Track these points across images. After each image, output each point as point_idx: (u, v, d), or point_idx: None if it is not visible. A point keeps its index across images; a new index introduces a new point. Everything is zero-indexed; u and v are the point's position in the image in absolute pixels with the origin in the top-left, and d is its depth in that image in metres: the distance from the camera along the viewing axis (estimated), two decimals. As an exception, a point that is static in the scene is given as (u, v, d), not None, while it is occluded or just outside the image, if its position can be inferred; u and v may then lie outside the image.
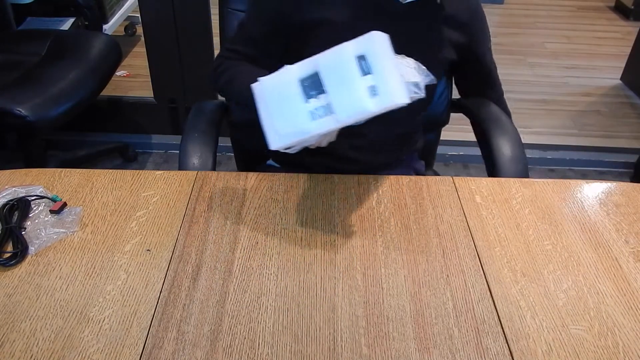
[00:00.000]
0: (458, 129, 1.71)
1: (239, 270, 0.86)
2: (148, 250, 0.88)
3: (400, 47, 1.06)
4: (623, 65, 3.06)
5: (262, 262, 0.87)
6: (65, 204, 0.96)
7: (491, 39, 1.23)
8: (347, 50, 0.81)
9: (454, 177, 1.07)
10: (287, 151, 0.87)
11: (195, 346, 0.74)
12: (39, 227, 0.91)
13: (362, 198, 1.02)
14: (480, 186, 1.05)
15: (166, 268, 0.85)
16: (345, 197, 1.02)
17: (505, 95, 1.33)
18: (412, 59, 0.87)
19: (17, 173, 1.04)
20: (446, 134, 1.51)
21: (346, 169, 1.09)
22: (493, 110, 1.26)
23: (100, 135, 2.42)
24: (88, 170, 1.05)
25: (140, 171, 1.06)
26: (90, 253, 0.88)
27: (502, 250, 0.91)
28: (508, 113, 1.30)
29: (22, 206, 0.94)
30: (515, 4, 4.00)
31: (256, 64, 1.10)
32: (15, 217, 0.92)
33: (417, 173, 1.31)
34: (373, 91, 0.79)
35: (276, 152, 1.25)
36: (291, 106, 0.83)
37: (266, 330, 0.77)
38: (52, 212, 0.94)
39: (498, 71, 1.29)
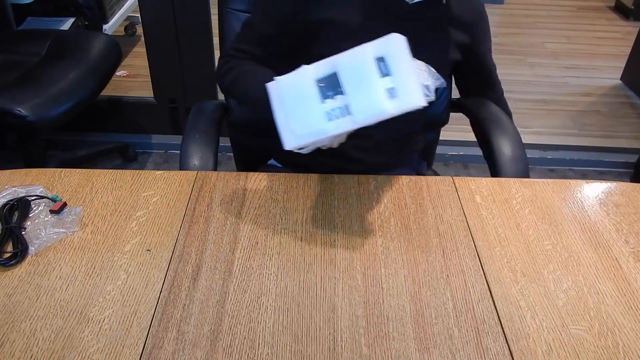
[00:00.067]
0: (458, 129, 1.71)
1: (239, 270, 0.86)
2: (148, 250, 0.88)
3: (412, 49, 1.06)
4: (623, 65, 3.06)
5: (262, 262, 0.87)
6: (65, 204, 0.96)
7: (491, 39, 1.23)
8: (367, 51, 0.81)
9: (454, 177, 1.07)
10: (300, 151, 0.87)
11: (195, 346, 0.74)
12: (39, 227, 0.91)
13: (362, 198, 1.02)
14: (480, 186, 1.05)
15: (166, 268, 0.85)
16: (345, 197, 1.02)
17: (505, 95, 1.33)
18: (422, 62, 0.87)
19: (17, 173, 1.04)
20: (446, 134, 1.51)
21: (349, 169, 1.09)
22: (493, 110, 1.26)
23: (100, 135, 2.42)
24: (88, 170, 1.05)
25: (140, 171, 1.06)
26: (90, 253, 0.88)
27: (502, 250, 0.91)
28: (509, 113, 1.30)
29: (22, 206, 0.94)
30: (515, 4, 4.00)
31: (262, 64, 1.09)
32: (15, 217, 0.92)
33: (418, 173, 1.31)
34: (391, 93, 0.80)
35: (278, 152, 1.27)
36: (307, 106, 0.83)
37: (266, 330, 0.77)
38: (52, 212, 0.94)
39: (498, 71, 1.29)
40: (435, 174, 1.43)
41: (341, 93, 0.82)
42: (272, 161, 1.28)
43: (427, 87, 0.86)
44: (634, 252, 0.92)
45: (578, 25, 3.79)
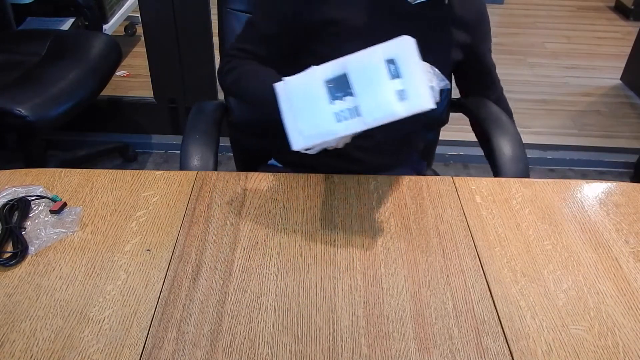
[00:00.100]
0: (458, 129, 1.71)
1: (239, 270, 0.86)
2: (148, 250, 0.88)
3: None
4: (623, 65, 3.06)
5: (262, 262, 0.87)
6: (65, 204, 0.96)
7: (491, 38, 1.23)
8: (377, 53, 0.81)
9: (454, 177, 1.07)
10: (307, 152, 0.87)
11: (195, 346, 0.74)
12: (39, 227, 0.91)
13: (362, 198, 1.02)
14: (480, 186, 1.05)
15: (166, 268, 0.85)
16: (345, 197, 1.02)
17: (505, 95, 1.33)
18: (427, 64, 0.88)
19: (17, 173, 1.04)
20: (446, 134, 1.51)
21: (349, 169, 1.09)
22: (493, 110, 1.26)
23: (100, 135, 2.42)
24: (88, 170, 1.05)
25: (140, 171, 1.06)
26: (90, 253, 0.88)
27: (502, 250, 0.91)
28: (509, 111, 1.31)
29: (22, 206, 0.94)
30: (515, 4, 4.00)
31: (264, 63, 1.09)
32: (15, 217, 0.92)
33: (418, 173, 1.31)
34: (401, 95, 0.80)
35: (279, 151, 1.27)
36: (316, 107, 0.84)
37: (266, 330, 0.77)
38: (52, 212, 0.94)
39: (498, 71, 1.29)
40: (435, 174, 1.43)
41: (350, 94, 0.82)
42: (272, 161, 1.28)
43: (432, 88, 0.86)
44: (634, 252, 0.92)
45: (578, 25, 3.79)
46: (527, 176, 1.15)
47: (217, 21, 1.33)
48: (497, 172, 1.16)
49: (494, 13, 3.93)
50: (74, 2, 2.54)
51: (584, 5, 4.09)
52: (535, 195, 1.04)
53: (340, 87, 0.82)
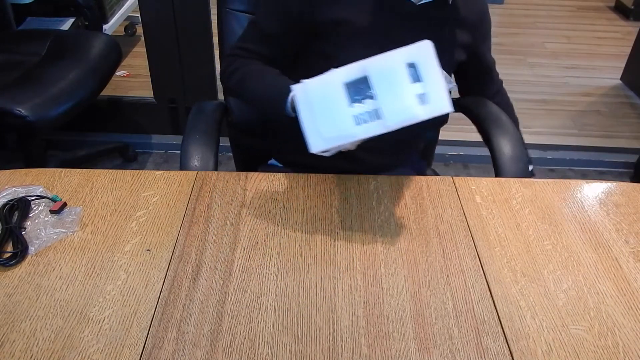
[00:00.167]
0: (458, 129, 1.71)
1: (239, 270, 0.86)
2: (148, 250, 0.88)
3: None
4: (623, 65, 3.06)
5: (262, 262, 0.87)
6: (65, 204, 0.96)
7: (491, 37, 1.24)
8: (398, 57, 0.82)
9: (454, 177, 1.07)
10: (323, 154, 0.87)
11: (195, 346, 0.74)
12: (39, 227, 0.91)
13: (362, 198, 1.02)
14: (480, 186, 1.05)
15: (166, 268, 0.85)
16: (345, 197, 1.02)
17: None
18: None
19: (17, 173, 1.04)
20: (446, 134, 1.51)
21: (349, 169, 1.09)
22: (493, 110, 1.26)
23: (100, 135, 2.42)
24: (88, 170, 1.05)
25: (140, 171, 1.06)
26: (90, 253, 0.88)
27: (502, 250, 0.91)
28: (510, 104, 1.31)
29: (22, 206, 0.94)
30: (515, 4, 4.00)
31: (268, 63, 1.09)
32: (15, 217, 0.92)
33: (418, 173, 1.31)
34: (422, 99, 0.81)
35: (279, 151, 1.27)
36: (335, 110, 0.84)
37: (266, 330, 0.77)
38: (52, 212, 0.94)
39: (498, 71, 1.29)
40: (435, 174, 1.43)
41: (370, 97, 0.83)
42: (272, 161, 1.28)
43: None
44: (634, 252, 0.92)
45: (578, 25, 3.79)
46: (527, 175, 1.15)
47: (217, 21, 1.33)
48: (497, 171, 1.16)
49: (494, 13, 3.91)
50: (74, 2, 2.54)
51: (584, 5, 4.09)
52: (535, 195, 1.04)
53: (360, 90, 0.83)
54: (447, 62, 1.06)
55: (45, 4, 2.54)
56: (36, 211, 0.95)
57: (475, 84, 1.30)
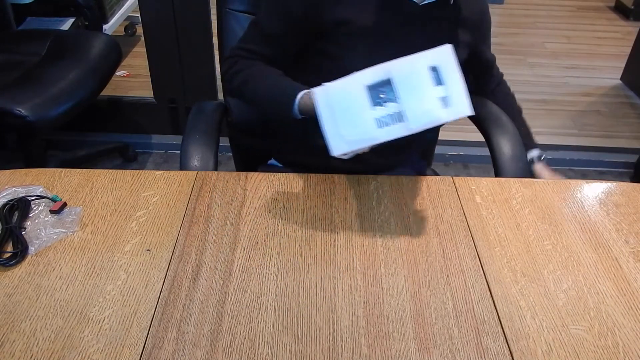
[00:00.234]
0: (458, 129, 1.71)
1: (239, 270, 0.86)
2: (148, 250, 0.88)
3: (419, 49, 1.06)
4: (623, 65, 3.06)
5: (262, 262, 0.87)
6: (65, 204, 0.96)
7: (491, 38, 1.24)
8: (422, 60, 0.84)
9: (454, 177, 1.07)
10: (342, 157, 0.87)
11: (195, 346, 0.74)
12: (39, 227, 0.91)
13: (362, 198, 1.02)
14: (480, 186, 1.05)
15: (166, 268, 0.85)
16: (345, 197, 1.02)
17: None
18: None
19: (17, 173, 1.04)
20: (446, 134, 1.51)
21: (350, 169, 1.09)
22: (493, 110, 1.26)
23: (100, 135, 2.42)
24: (88, 170, 1.05)
25: (140, 171, 1.06)
26: (90, 253, 0.88)
27: (502, 250, 0.91)
28: (511, 94, 1.31)
29: (22, 206, 0.94)
30: (515, 4, 4.00)
31: (270, 64, 1.09)
32: (15, 217, 0.92)
33: (418, 173, 1.31)
34: (445, 102, 0.83)
35: (279, 152, 1.27)
36: (357, 113, 0.84)
37: (266, 330, 0.77)
38: (52, 212, 0.94)
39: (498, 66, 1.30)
40: (435, 174, 1.43)
41: (392, 100, 0.83)
42: (272, 161, 1.28)
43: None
44: (634, 252, 0.92)
45: (578, 25, 3.78)
46: (527, 175, 1.15)
47: (216, 21, 1.33)
48: (496, 171, 1.16)
49: (494, 13, 3.91)
50: (74, 2, 2.54)
51: (584, 5, 4.09)
52: (535, 195, 1.04)
53: (382, 92, 0.84)
54: None
55: (45, 4, 2.54)
56: (36, 211, 0.95)
57: (476, 81, 1.30)
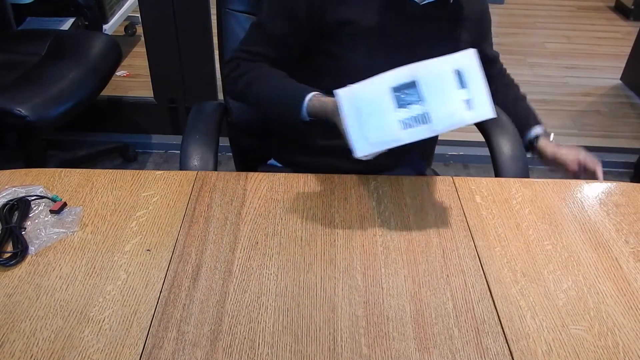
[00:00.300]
0: (458, 129, 1.70)
1: (239, 270, 0.86)
2: (148, 250, 0.88)
3: (421, 49, 1.06)
4: (623, 65, 3.06)
5: (262, 262, 0.87)
6: (65, 204, 0.96)
7: (492, 36, 1.24)
8: (446, 63, 0.85)
9: (454, 177, 1.07)
10: (364, 158, 0.88)
11: (195, 346, 0.74)
12: (39, 227, 0.91)
13: (362, 198, 1.02)
14: (480, 186, 1.05)
15: (166, 268, 0.85)
16: (345, 197, 1.02)
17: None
18: None
19: (17, 173, 1.04)
20: (446, 134, 1.51)
21: (349, 169, 1.09)
22: (493, 110, 1.26)
23: (100, 135, 2.42)
24: (88, 170, 1.05)
25: (140, 171, 1.06)
26: (90, 253, 0.88)
27: (502, 250, 0.91)
28: (516, 85, 1.31)
29: (22, 206, 0.94)
30: (515, 4, 4.00)
31: (274, 65, 1.08)
32: (15, 217, 0.92)
33: (418, 173, 1.31)
34: (469, 104, 0.85)
35: (279, 152, 1.27)
36: (382, 114, 0.85)
37: (266, 330, 0.77)
38: (52, 212, 0.94)
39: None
40: (435, 174, 1.43)
41: (417, 102, 0.84)
42: (272, 161, 1.28)
43: None
44: (634, 252, 0.92)
45: (578, 25, 3.79)
46: (527, 175, 1.15)
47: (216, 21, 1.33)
48: (496, 171, 1.16)
49: (494, 13, 3.90)
50: (74, 2, 2.54)
51: (584, 5, 4.09)
52: (535, 195, 1.04)
53: (407, 94, 0.85)
54: None
55: (45, 4, 2.54)
56: (36, 211, 0.95)
57: None
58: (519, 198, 1.03)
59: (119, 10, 2.90)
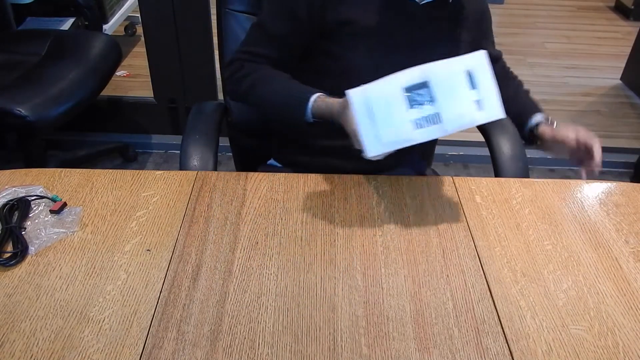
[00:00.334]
0: (458, 129, 1.70)
1: (239, 270, 0.86)
2: (148, 250, 0.88)
3: (421, 49, 1.06)
4: (623, 65, 3.06)
5: (262, 262, 0.87)
6: (65, 204, 0.96)
7: (493, 34, 1.24)
8: (458, 65, 0.86)
9: (454, 177, 1.07)
10: (375, 158, 0.88)
11: (195, 346, 0.74)
12: (39, 227, 0.91)
13: (362, 198, 1.02)
14: (480, 186, 1.05)
15: (166, 268, 0.85)
16: (345, 197, 1.02)
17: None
18: None
19: (17, 173, 1.04)
20: (446, 133, 1.51)
21: (349, 168, 1.09)
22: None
23: (100, 135, 2.42)
24: (88, 170, 1.05)
25: (140, 171, 1.06)
26: (90, 253, 0.88)
27: (502, 250, 0.91)
28: (515, 76, 1.30)
29: (22, 206, 0.94)
30: (515, 4, 4.00)
31: (276, 66, 1.08)
32: (15, 217, 0.92)
33: (418, 173, 1.31)
34: (479, 105, 0.86)
35: (279, 152, 1.27)
36: (395, 114, 0.86)
37: (266, 330, 0.77)
38: (52, 212, 0.94)
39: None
40: (435, 174, 1.43)
41: (429, 102, 0.85)
42: (272, 161, 1.28)
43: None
44: (634, 252, 0.93)
45: (578, 25, 3.79)
46: (527, 175, 1.15)
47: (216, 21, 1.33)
48: (496, 171, 1.16)
49: (494, 13, 3.89)
50: (74, 2, 2.54)
51: (584, 5, 4.09)
52: (535, 195, 1.04)
53: (419, 95, 0.86)
54: None
55: (45, 4, 2.54)
56: (36, 211, 0.95)
57: None
58: (519, 198, 1.03)
59: (119, 10, 2.90)
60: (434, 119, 0.86)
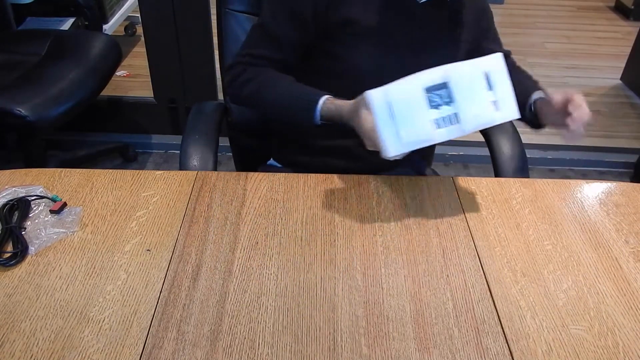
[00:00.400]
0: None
1: (239, 270, 0.86)
2: (148, 250, 0.88)
3: (421, 48, 1.06)
4: (623, 65, 3.06)
5: (262, 262, 0.87)
6: (65, 204, 0.96)
7: (496, 33, 1.24)
8: (477, 66, 0.88)
9: (454, 177, 1.07)
10: (394, 158, 0.89)
11: (195, 346, 0.74)
12: (39, 227, 0.91)
13: (362, 198, 1.02)
14: (480, 186, 1.05)
15: (166, 268, 0.85)
16: (345, 197, 1.02)
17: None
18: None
19: (17, 173, 1.04)
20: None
21: (349, 168, 1.09)
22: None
23: (100, 135, 2.42)
24: (88, 170, 1.05)
25: (140, 171, 1.06)
26: (90, 253, 0.88)
27: (502, 250, 0.91)
28: (523, 70, 1.30)
29: (22, 206, 0.94)
30: (515, 4, 4.00)
31: (279, 67, 1.07)
32: (15, 217, 0.92)
33: (418, 173, 1.31)
34: (496, 106, 0.89)
35: (279, 152, 1.27)
36: (416, 114, 0.87)
37: (266, 330, 0.77)
38: (52, 212, 0.94)
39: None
40: (435, 174, 1.43)
41: (447, 102, 0.87)
42: (271, 161, 1.28)
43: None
44: (634, 252, 0.93)
45: (578, 25, 3.78)
46: (527, 175, 1.15)
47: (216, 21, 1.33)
48: (496, 171, 1.16)
49: (494, 13, 3.91)
50: (74, 2, 2.54)
51: (584, 5, 4.09)
52: (535, 195, 1.04)
53: (439, 95, 0.87)
54: (451, 60, 1.06)
55: (45, 4, 2.54)
56: (36, 211, 0.95)
57: None
58: (519, 198, 1.03)
59: (119, 10, 2.90)
60: (453, 119, 0.88)
